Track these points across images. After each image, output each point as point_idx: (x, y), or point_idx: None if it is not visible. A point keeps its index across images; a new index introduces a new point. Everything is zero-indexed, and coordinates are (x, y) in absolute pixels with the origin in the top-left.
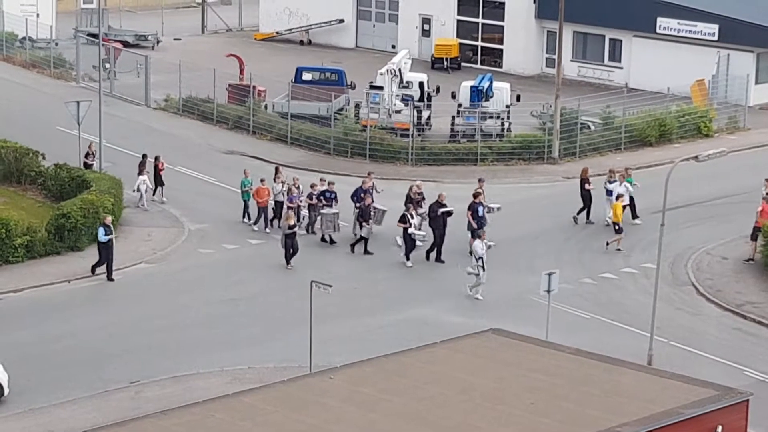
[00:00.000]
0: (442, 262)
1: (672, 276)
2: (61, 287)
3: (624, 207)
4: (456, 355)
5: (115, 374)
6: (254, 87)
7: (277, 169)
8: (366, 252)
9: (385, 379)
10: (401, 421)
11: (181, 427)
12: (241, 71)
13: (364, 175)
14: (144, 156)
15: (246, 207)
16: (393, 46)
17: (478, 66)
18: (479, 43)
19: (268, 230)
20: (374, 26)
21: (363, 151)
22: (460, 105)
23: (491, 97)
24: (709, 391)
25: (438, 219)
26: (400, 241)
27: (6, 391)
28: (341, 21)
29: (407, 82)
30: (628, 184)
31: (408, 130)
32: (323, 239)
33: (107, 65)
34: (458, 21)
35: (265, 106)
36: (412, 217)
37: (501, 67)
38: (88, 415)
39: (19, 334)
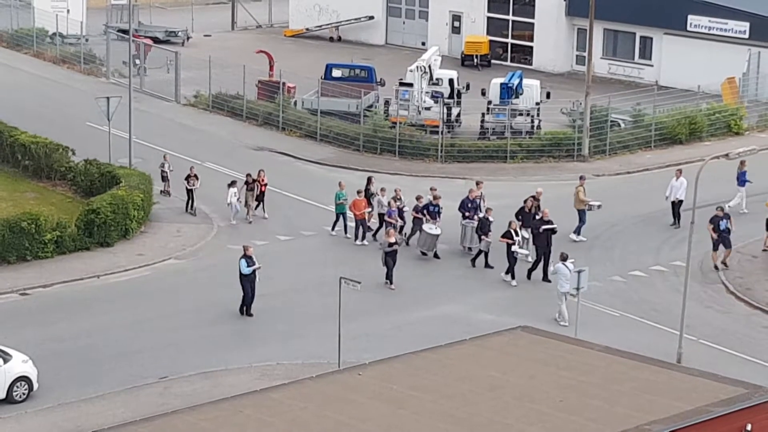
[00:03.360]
0: (549, 281)
1: (701, 274)
2: (90, 283)
3: None
4: (485, 352)
5: (144, 370)
6: (284, 83)
7: (369, 179)
8: (487, 266)
9: (414, 375)
10: (430, 418)
11: (209, 423)
12: (271, 68)
13: (392, 171)
14: (248, 175)
15: (337, 219)
16: (423, 43)
17: (508, 63)
18: (509, 40)
19: (358, 242)
20: (404, 23)
21: (392, 148)
22: (489, 102)
23: (521, 94)
24: (739, 389)
25: (542, 236)
26: (484, 245)
27: (35, 386)
28: (371, 17)
29: (437, 79)
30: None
31: (437, 127)
32: (423, 253)
33: (137, 61)
34: (488, 18)
35: (295, 103)
36: (517, 234)
37: (531, 64)
38: (117, 410)
39: (48, 329)
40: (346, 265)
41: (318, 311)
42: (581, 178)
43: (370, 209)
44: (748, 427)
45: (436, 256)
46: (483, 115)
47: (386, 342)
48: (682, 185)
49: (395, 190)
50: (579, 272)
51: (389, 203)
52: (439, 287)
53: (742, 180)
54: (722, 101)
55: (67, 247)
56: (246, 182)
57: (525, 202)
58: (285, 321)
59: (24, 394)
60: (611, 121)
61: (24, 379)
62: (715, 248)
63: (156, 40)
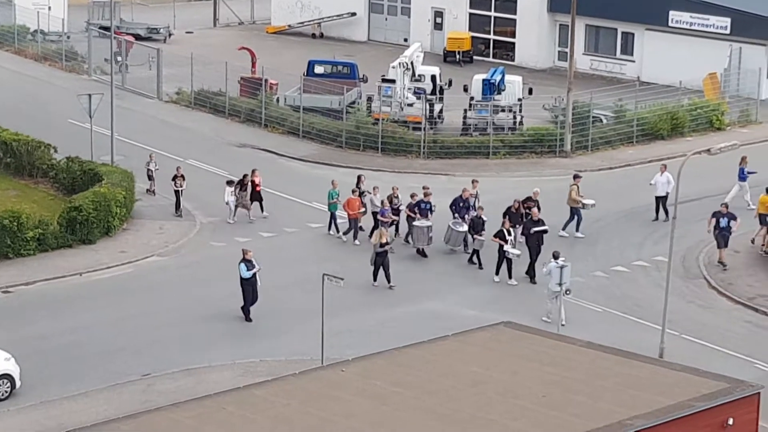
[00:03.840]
0: (535, 283)
1: (684, 269)
2: (73, 280)
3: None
4: (468, 348)
5: (127, 367)
6: (266, 80)
7: (359, 178)
8: (479, 265)
9: (397, 372)
10: (413, 414)
11: (192, 419)
12: (253, 64)
13: (374, 167)
14: (245, 176)
15: (332, 218)
16: (405, 40)
17: (491, 59)
18: (491, 37)
19: (357, 242)
20: (386, 19)
21: (375, 145)
22: (472, 98)
23: (503, 90)
24: (721, 384)
25: (533, 237)
26: (477, 244)
27: (18, 383)
28: (353, 14)
29: (419, 75)
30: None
31: (420, 123)
32: (418, 251)
33: (119, 58)
34: (470, 14)
35: (277, 100)
36: (510, 234)
37: (513, 60)
38: (100, 407)
39: (30, 327)
40: (329, 262)
41: (301, 308)
42: (575, 176)
43: (364, 209)
44: (730, 422)
45: (423, 254)
46: (465, 111)
47: (369, 338)
48: (668, 180)
49: (393, 188)
50: (562, 268)
51: (383, 202)
52: (421, 283)
53: (742, 176)
54: (704, 97)
55: (49, 244)
56: (240, 182)
57: (514, 202)
58: (268, 318)
59: (6, 392)
60: (593, 117)
61: (6, 377)
62: (719, 245)
63: (138, 37)
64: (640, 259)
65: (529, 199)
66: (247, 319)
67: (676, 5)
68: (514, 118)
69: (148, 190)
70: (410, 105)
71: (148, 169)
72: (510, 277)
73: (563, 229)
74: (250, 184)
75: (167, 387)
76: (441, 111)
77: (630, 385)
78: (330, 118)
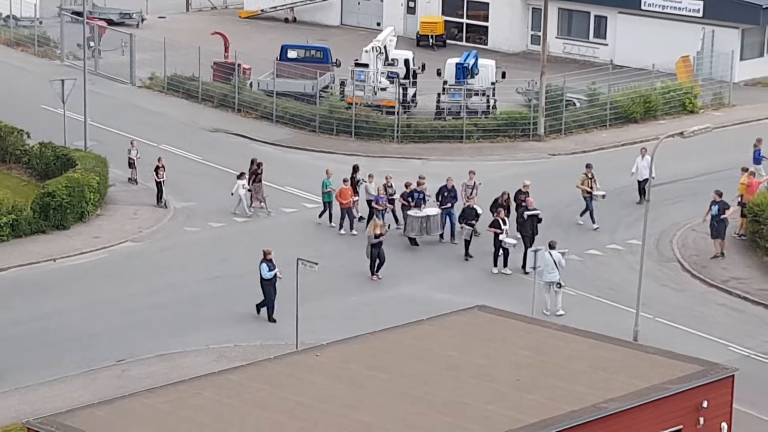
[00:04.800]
0: (527, 273)
1: (657, 252)
2: (46, 266)
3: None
4: (443, 332)
5: (102, 353)
6: (239, 65)
7: (355, 167)
8: (466, 257)
9: (372, 356)
10: (388, 397)
11: (167, 404)
12: (226, 49)
13: (348, 152)
14: (252, 162)
15: (325, 208)
16: (378, 24)
17: (464, 43)
18: (464, 21)
19: (354, 233)
20: (359, 4)
21: (348, 129)
22: (445, 82)
23: (476, 74)
24: (695, 366)
25: (525, 224)
26: (466, 233)
27: None
28: None
29: (392, 60)
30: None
31: (393, 107)
32: (410, 240)
33: (92, 43)
34: None
35: (250, 84)
36: (505, 223)
37: (486, 44)
38: (75, 393)
39: (4, 313)
40: (304, 247)
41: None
42: (587, 166)
43: (356, 198)
44: (705, 404)
45: (415, 243)
46: (439, 95)
47: (344, 323)
48: (648, 163)
49: (386, 177)
50: (535, 252)
51: (378, 190)
52: (397, 267)
53: (757, 158)
54: (677, 80)
55: (23, 230)
56: (253, 174)
57: (502, 194)
58: (242, 303)
59: None
60: (566, 101)
61: None
62: (711, 235)
63: (110, 22)
64: (614, 243)
65: (520, 192)
66: (270, 319)
67: None
68: (488, 102)
69: (129, 179)
70: (383, 89)
71: (130, 158)
72: (505, 265)
73: (580, 216)
74: (255, 173)
75: (142, 372)
76: (414, 95)
77: (604, 368)
78: (303, 102)
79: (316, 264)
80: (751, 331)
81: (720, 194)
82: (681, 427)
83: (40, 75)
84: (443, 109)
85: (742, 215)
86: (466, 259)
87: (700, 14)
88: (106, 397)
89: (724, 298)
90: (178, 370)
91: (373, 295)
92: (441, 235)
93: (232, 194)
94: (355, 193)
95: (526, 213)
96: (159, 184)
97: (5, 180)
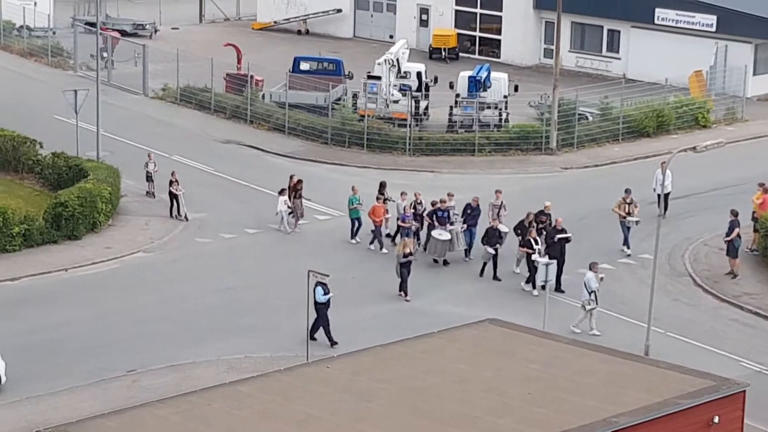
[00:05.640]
0: (562, 291)
1: (669, 267)
2: (58, 276)
3: None
4: (453, 345)
5: (112, 363)
6: (252, 76)
7: (382, 184)
8: (481, 273)
9: (382, 368)
10: (398, 410)
11: (177, 415)
12: (239, 60)
13: (360, 164)
14: (291, 178)
15: (353, 225)
16: (391, 36)
17: (476, 56)
18: (477, 34)
19: (385, 251)
20: (372, 16)
21: (360, 141)
22: (457, 95)
23: (489, 87)
24: (706, 381)
25: (555, 246)
26: (485, 256)
27: (3, 379)
28: (339, 11)
29: (405, 72)
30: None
31: (406, 120)
32: (434, 260)
33: (105, 54)
34: (456, 11)
35: (263, 96)
36: (537, 243)
37: (499, 57)
38: (85, 403)
39: (16, 322)
40: (315, 258)
41: (286, 304)
42: (626, 191)
43: (388, 216)
44: (716, 420)
45: (445, 263)
46: (451, 108)
47: (354, 335)
48: (668, 178)
49: (415, 194)
50: (547, 265)
51: (405, 208)
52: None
53: None
54: (689, 94)
55: (35, 240)
56: (293, 190)
57: (527, 215)
58: (253, 314)
59: None
60: (579, 115)
61: None
62: (727, 253)
63: (123, 33)
64: (626, 257)
65: (541, 212)
66: (332, 342)
67: (662, 3)
68: (500, 115)
69: (148, 192)
70: (396, 102)
71: (147, 171)
72: (534, 287)
73: (624, 245)
74: (295, 189)
75: (153, 383)
76: (426, 108)
77: (615, 382)
78: (315, 114)
79: (327, 276)
80: (763, 347)
81: (735, 214)
82: None
83: (53, 85)
84: (455, 122)
85: (755, 230)
86: (480, 275)
87: (714, 29)
88: (117, 407)
89: (736, 314)
90: (189, 381)
91: (383, 307)
92: (466, 252)
93: (277, 213)
94: (386, 210)
95: (557, 236)
96: (176, 198)
97: (17, 190)
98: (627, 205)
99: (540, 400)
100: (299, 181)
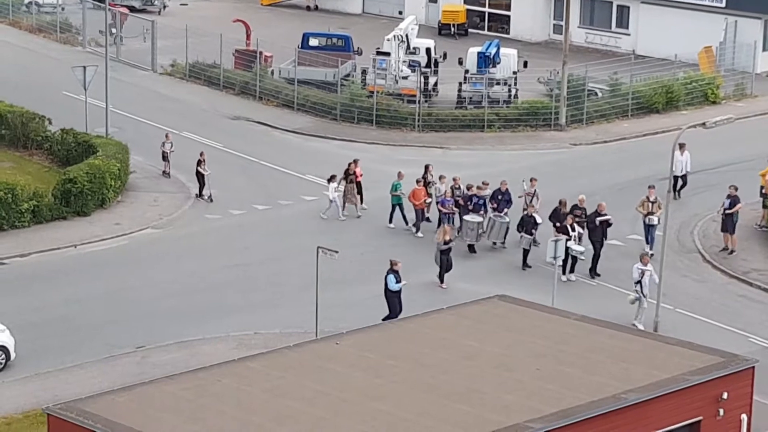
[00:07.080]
0: (598, 275)
1: (678, 243)
2: (67, 252)
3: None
4: (462, 321)
5: (121, 339)
6: (261, 53)
7: (427, 167)
8: (524, 262)
9: (391, 344)
10: (407, 386)
11: (187, 391)
12: (248, 37)
13: (369, 140)
14: (350, 163)
15: (394, 210)
16: (400, 12)
17: (486, 32)
18: (486, 9)
19: (420, 234)
20: None
21: (369, 117)
22: (467, 71)
23: (498, 63)
24: (715, 358)
25: (597, 230)
26: (525, 243)
27: (13, 355)
28: None
29: (414, 48)
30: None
31: (415, 96)
32: (469, 248)
33: (113, 30)
34: None
35: (272, 72)
36: (573, 230)
37: (508, 33)
38: (95, 379)
39: (25, 299)
40: (324, 235)
41: (295, 280)
42: (650, 187)
43: (429, 199)
44: (725, 396)
45: (472, 250)
46: (460, 84)
47: (363, 311)
48: (687, 159)
49: (454, 179)
50: (556, 242)
51: (445, 192)
52: (416, 257)
53: None
54: (699, 70)
55: (44, 216)
56: (345, 174)
57: (560, 202)
58: (262, 290)
59: (1, 363)
60: (588, 90)
61: (1, 348)
62: (722, 229)
63: (132, 9)
64: (635, 233)
65: (576, 206)
66: None
67: None
68: (509, 91)
69: (164, 172)
70: (405, 78)
71: (163, 150)
72: (572, 271)
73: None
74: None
75: (161, 359)
76: (436, 84)
77: (624, 358)
78: (324, 90)
79: (336, 252)
80: None
81: (735, 189)
82: (701, 418)
83: (62, 61)
84: (464, 98)
85: (764, 206)
86: (524, 269)
87: (723, 4)
88: (126, 383)
89: (745, 290)
90: (198, 357)
91: None
92: (495, 243)
93: (331, 201)
94: (428, 194)
95: (598, 219)
96: (202, 177)
97: (27, 166)
98: (651, 204)
99: (549, 376)
100: (355, 161)
